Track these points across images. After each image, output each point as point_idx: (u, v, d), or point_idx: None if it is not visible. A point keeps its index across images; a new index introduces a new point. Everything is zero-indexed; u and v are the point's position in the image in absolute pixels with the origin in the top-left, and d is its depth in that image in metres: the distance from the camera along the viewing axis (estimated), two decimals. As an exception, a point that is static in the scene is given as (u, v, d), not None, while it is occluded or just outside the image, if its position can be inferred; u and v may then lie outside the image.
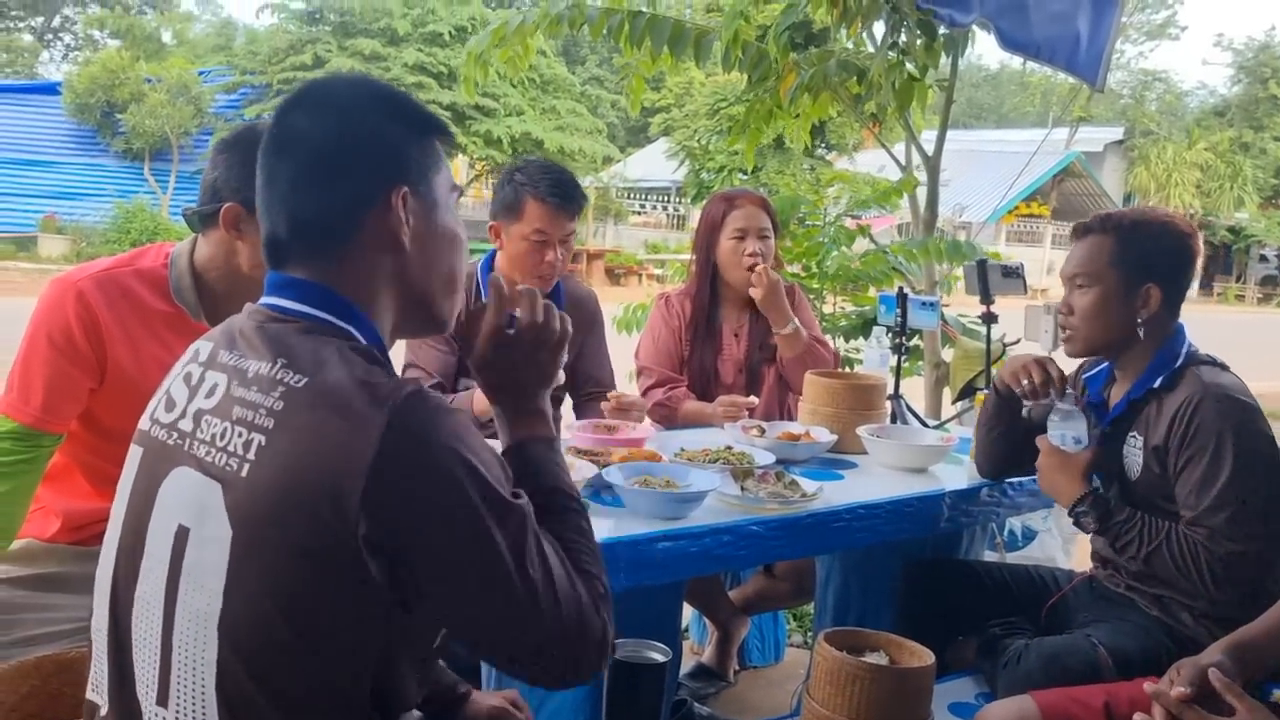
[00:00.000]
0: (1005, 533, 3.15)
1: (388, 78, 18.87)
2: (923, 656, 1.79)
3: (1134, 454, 1.96)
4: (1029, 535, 3.20)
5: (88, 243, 17.48)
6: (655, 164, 27.35)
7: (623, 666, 1.59)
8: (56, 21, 38.29)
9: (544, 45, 19.57)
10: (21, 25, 37.41)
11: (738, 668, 2.96)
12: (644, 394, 2.76)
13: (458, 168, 24.06)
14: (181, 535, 1.00)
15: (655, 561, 1.67)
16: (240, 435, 0.99)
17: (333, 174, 1.07)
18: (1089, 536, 2.02)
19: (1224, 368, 1.94)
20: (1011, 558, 3.09)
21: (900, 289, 2.80)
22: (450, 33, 22.46)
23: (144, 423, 1.12)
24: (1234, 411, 1.82)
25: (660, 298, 2.98)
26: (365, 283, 1.09)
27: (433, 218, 1.12)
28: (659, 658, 1.61)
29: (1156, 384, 1.92)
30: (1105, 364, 2.09)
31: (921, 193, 3.71)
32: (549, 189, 2.41)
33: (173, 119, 20.30)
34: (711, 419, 2.66)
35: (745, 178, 12.60)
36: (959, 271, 2.91)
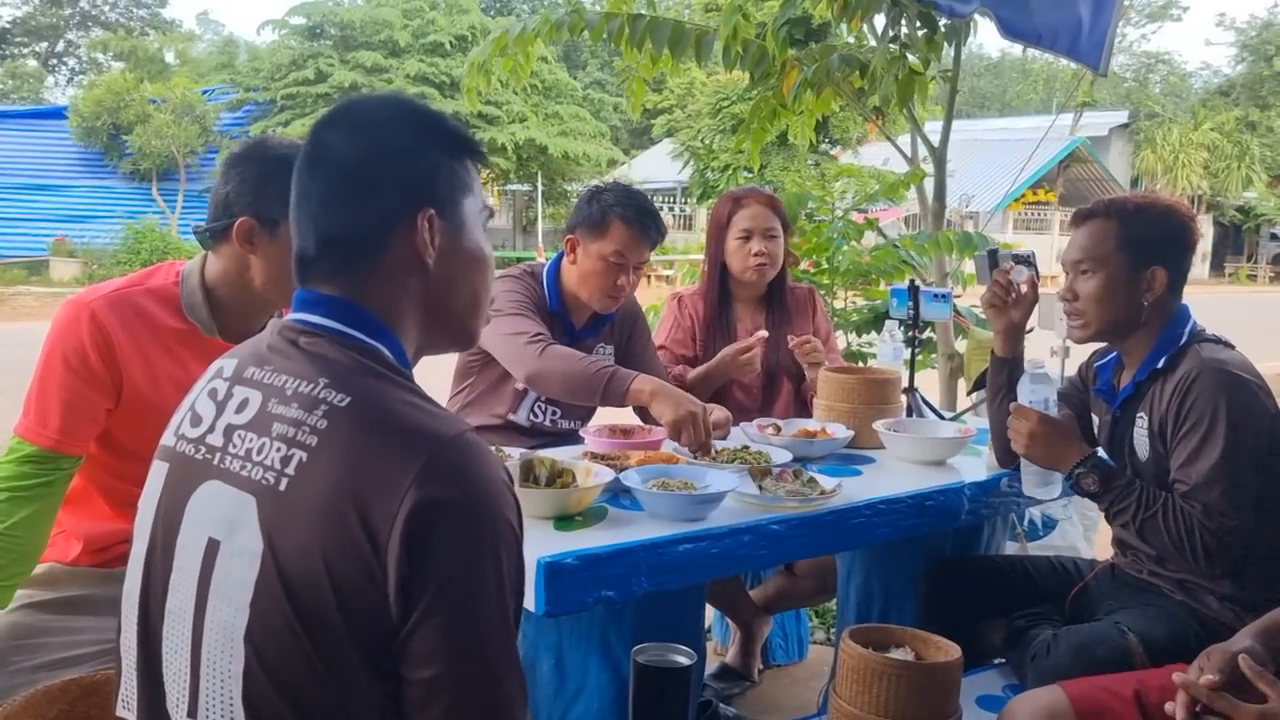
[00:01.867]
0: (1025, 523, 3.13)
1: (390, 90, 18.93)
2: (949, 651, 1.78)
3: (1141, 435, 1.96)
4: (1050, 524, 3.19)
5: (99, 265, 17.57)
6: (660, 165, 27.35)
7: (648, 671, 1.58)
8: (60, 46, 38.58)
9: (545, 51, 19.60)
10: (26, 51, 37.71)
11: (762, 667, 2.95)
12: None
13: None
14: (212, 548, 1.01)
15: (676, 564, 1.67)
16: (279, 450, 0.99)
17: (360, 193, 1.08)
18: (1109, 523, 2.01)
19: (1228, 345, 1.93)
20: (1033, 548, 3.08)
21: (912, 281, 2.79)
22: (451, 42, 22.52)
23: (167, 439, 1.12)
24: (1229, 385, 1.81)
25: (673, 297, 2.99)
26: (391, 301, 1.09)
27: (459, 239, 1.12)
28: (684, 661, 1.59)
29: (1160, 364, 1.92)
30: (1115, 352, 2.08)
31: (929, 184, 3.69)
32: (636, 214, 2.43)
33: (178, 138, 20.41)
34: (719, 366, 2.66)
35: (750, 175, 12.58)
36: (971, 270, 2.89)
